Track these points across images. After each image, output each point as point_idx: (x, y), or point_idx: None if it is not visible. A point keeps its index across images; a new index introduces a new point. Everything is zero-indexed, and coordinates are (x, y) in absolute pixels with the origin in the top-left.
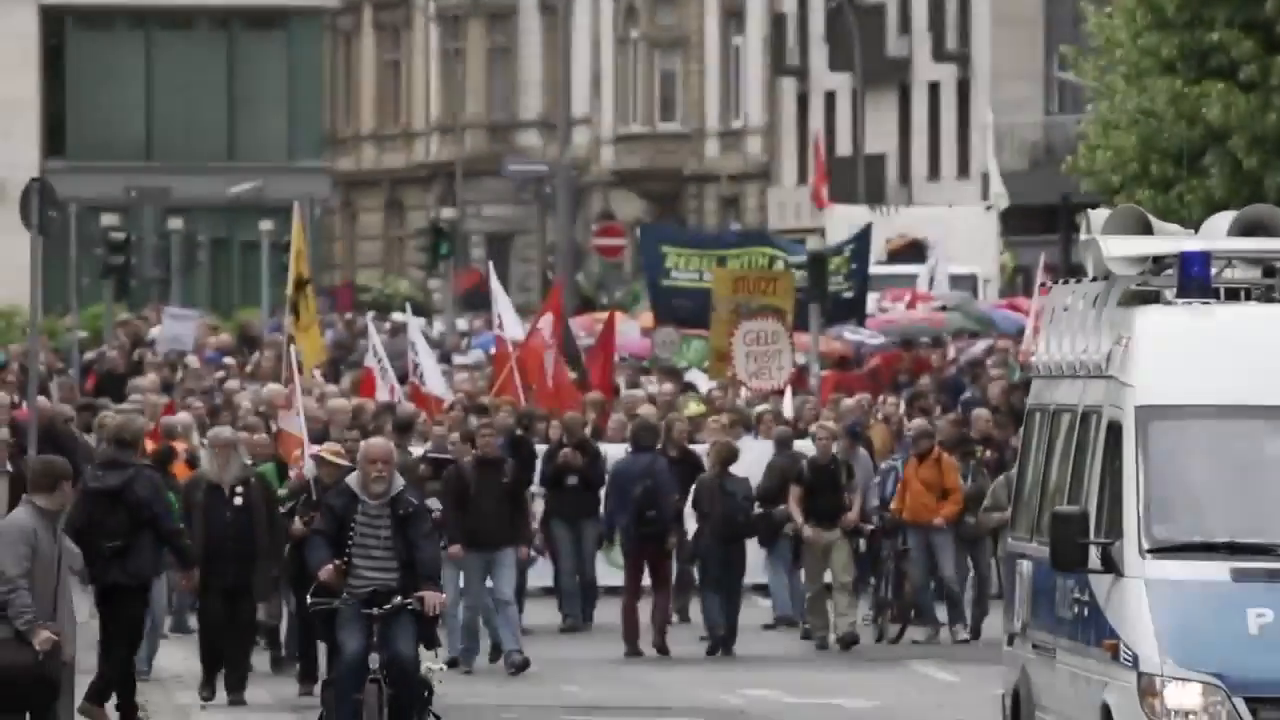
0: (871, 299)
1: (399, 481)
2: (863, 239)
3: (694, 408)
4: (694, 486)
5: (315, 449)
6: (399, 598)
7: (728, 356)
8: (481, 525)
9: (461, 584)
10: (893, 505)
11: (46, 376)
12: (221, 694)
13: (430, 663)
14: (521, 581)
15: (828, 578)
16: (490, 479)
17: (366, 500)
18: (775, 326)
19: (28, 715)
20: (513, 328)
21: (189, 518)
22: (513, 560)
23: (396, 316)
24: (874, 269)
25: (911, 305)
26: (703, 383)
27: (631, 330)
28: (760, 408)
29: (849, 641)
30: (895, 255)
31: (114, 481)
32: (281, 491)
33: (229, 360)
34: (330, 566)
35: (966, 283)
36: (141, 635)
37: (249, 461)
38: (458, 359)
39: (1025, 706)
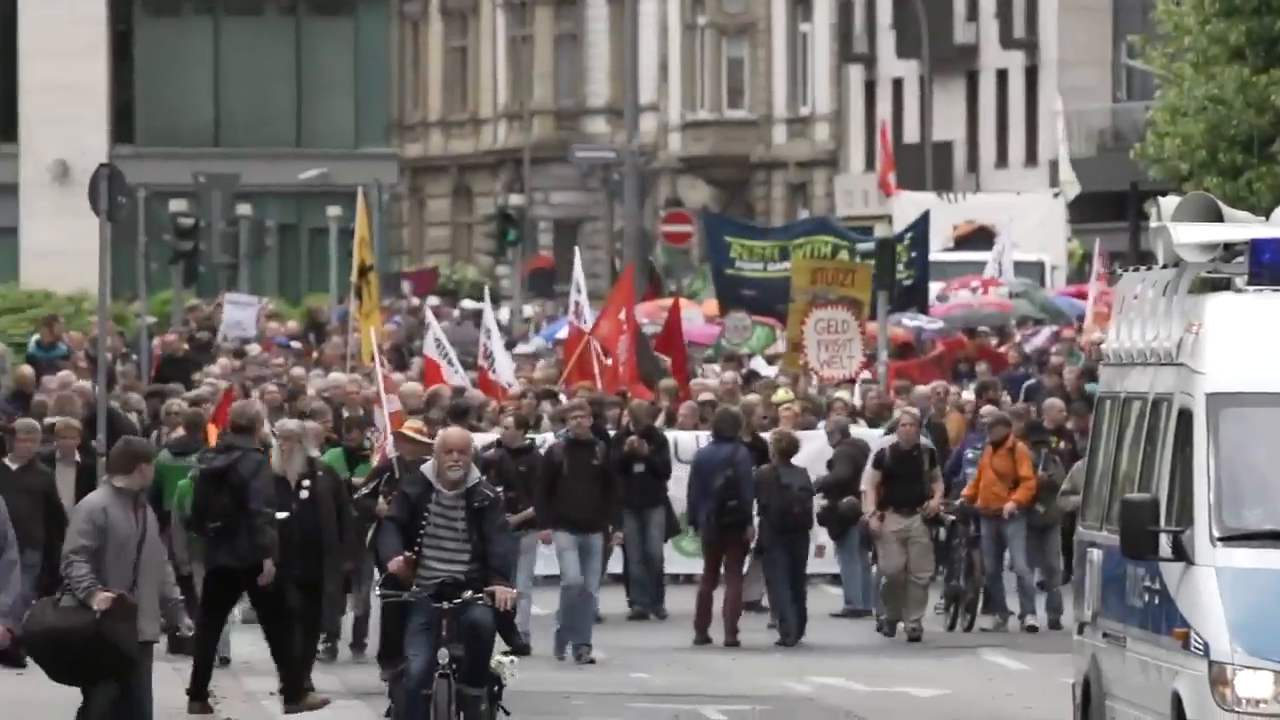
0: (935, 287)
1: (475, 472)
2: (921, 226)
3: (781, 395)
4: (754, 478)
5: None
6: (469, 591)
7: (800, 346)
8: (573, 508)
9: (538, 569)
10: (965, 493)
11: (112, 362)
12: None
13: (501, 654)
14: (602, 569)
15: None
16: (582, 461)
17: (442, 490)
18: (846, 315)
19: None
20: (585, 317)
21: None
22: (601, 549)
23: (466, 303)
24: (941, 256)
25: (984, 292)
26: (764, 369)
27: (695, 317)
28: (835, 394)
29: (913, 638)
30: (962, 242)
31: (220, 463)
32: (355, 479)
33: (296, 344)
34: (400, 559)
35: (1033, 270)
36: (292, 618)
37: (315, 454)
38: (520, 348)
39: (1095, 695)
